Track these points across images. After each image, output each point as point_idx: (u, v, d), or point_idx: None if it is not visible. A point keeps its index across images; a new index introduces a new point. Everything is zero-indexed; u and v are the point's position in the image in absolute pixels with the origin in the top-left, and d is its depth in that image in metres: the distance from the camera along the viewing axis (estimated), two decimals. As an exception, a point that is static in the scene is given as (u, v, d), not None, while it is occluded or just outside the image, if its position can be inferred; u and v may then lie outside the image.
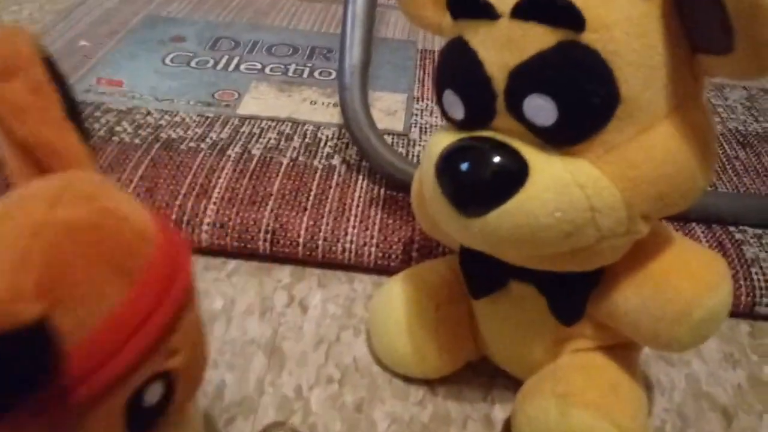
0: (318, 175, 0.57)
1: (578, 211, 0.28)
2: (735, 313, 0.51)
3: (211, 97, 0.68)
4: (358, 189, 0.56)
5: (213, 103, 0.67)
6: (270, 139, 0.62)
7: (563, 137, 0.29)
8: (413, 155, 0.61)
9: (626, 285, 0.34)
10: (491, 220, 0.29)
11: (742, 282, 0.50)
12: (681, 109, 0.29)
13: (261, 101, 0.68)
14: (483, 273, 0.37)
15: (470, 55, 0.30)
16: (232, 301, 0.49)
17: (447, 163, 0.30)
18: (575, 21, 0.27)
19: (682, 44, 0.28)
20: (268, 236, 0.51)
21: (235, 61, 0.75)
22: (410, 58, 0.79)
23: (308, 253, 0.51)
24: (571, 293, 0.35)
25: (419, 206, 0.42)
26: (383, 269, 0.51)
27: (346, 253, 0.51)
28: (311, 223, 0.52)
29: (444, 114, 0.33)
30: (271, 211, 0.53)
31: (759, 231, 0.55)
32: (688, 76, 0.29)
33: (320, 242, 0.51)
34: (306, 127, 0.64)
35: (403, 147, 0.63)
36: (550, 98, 0.27)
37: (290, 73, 0.74)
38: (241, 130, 0.63)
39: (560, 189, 0.28)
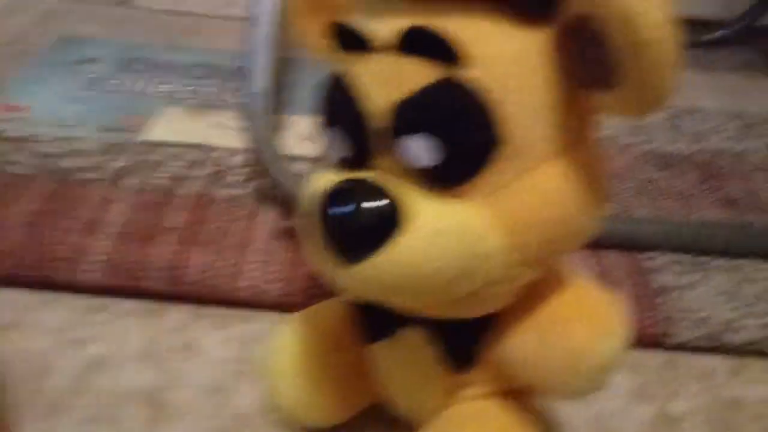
0: (223, 205, 0.55)
1: (462, 257, 0.27)
2: (646, 344, 0.50)
3: (117, 122, 0.65)
4: (264, 222, 0.54)
5: (119, 128, 0.64)
6: (175, 167, 0.59)
7: (445, 179, 0.27)
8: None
9: (520, 330, 0.33)
10: (368, 268, 0.28)
11: (652, 312, 0.49)
12: (569, 147, 0.28)
13: (171, 126, 0.65)
14: (374, 317, 0.36)
15: (353, 90, 0.28)
16: (118, 346, 0.46)
17: (325, 205, 0.29)
18: (454, 56, 0.26)
19: (570, 80, 0.27)
20: (163, 274, 0.49)
21: (149, 83, 0.73)
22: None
23: (206, 291, 0.49)
24: (463, 338, 0.34)
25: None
26: (287, 306, 0.49)
27: (246, 291, 0.49)
28: (210, 259, 0.49)
29: (326, 151, 0.31)
30: (168, 247, 0.50)
31: (672, 257, 0.55)
32: (577, 113, 0.28)
33: (219, 280, 0.49)
34: (216, 153, 0.62)
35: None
36: (429, 138, 0.26)
37: (204, 96, 0.71)
38: (146, 157, 0.60)
39: (440, 235, 0.27)
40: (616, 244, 0.55)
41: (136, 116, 0.66)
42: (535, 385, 0.34)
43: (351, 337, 0.39)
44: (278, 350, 0.40)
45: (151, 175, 0.58)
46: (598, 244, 0.54)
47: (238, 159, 0.61)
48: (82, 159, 0.59)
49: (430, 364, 0.35)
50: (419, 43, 0.26)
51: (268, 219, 0.54)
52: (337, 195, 0.28)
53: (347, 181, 0.29)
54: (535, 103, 0.27)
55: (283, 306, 0.49)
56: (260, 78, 0.51)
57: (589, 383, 0.32)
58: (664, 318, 0.49)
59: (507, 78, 0.26)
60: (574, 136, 0.28)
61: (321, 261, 0.30)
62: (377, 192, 0.28)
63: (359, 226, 0.27)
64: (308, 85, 0.74)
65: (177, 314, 0.49)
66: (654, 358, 0.49)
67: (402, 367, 0.37)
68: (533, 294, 0.32)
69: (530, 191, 0.27)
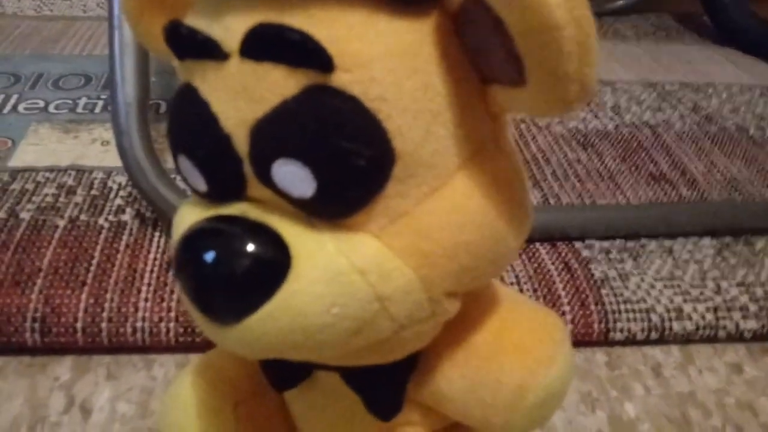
0: (103, 237, 0.48)
1: (362, 303, 0.22)
2: (589, 342, 0.46)
3: (-23, 148, 0.57)
4: (152, 250, 0.47)
5: (-21, 156, 0.56)
6: (46, 195, 0.51)
7: (329, 211, 0.22)
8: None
9: (449, 366, 0.28)
10: (250, 326, 0.22)
11: (593, 307, 0.46)
12: (478, 156, 0.23)
13: (40, 148, 0.57)
14: (282, 363, 0.30)
15: (201, 108, 0.22)
16: (-7, 414, 0.39)
17: (187, 253, 0.22)
18: (318, 58, 0.20)
19: (471, 77, 0.22)
20: (37, 325, 0.41)
21: (13, 100, 0.64)
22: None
23: (90, 339, 0.42)
24: (385, 384, 0.29)
25: None
26: (187, 346, 0.43)
27: (139, 334, 0.42)
28: (92, 301, 0.42)
29: (186, 184, 0.25)
30: (40, 292, 0.43)
31: (606, 244, 0.51)
32: (484, 115, 0.23)
33: (104, 324, 0.42)
34: (93, 175, 0.54)
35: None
36: (300, 163, 0.20)
37: (79, 109, 0.63)
38: (11, 187, 0.52)
39: (334, 279, 0.21)
40: (546, 236, 0.50)
41: (0, 140, 0.58)
42: (472, 424, 0.29)
43: (259, 386, 0.34)
44: (175, 410, 0.34)
45: (17, 208, 0.50)
46: (528, 238, 0.50)
47: (119, 180, 0.54)
48: (-66, 195, 0.51)
49: (356, 406, 0.30)
50: (272, 46, 0.20)
51: (156, 248, 0.47)
52: (206, 237, 0.22)
53: (210, 220, 0.23)
54: (431, 109, 0.21)
55: (182, 347, 0.43)
56: (129, 87, 0.44)
57: (533, 419, 0.28)
58: (608, 312, 0.45)
59: (392, 81, 0.21)
60: (485, 141, 0.23)
61: (192, 316, 0.24)
62: (257, 231, 0.22)
63: (238, 278, 0.21)
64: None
65: (59, 369, 0.42)
66: (599, 356, 0.46)
67: (326, 412, 0.32)
68: (462, 321, 0.28)
69: (438, 215, 0.22)
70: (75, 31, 0.80)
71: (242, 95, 0.21)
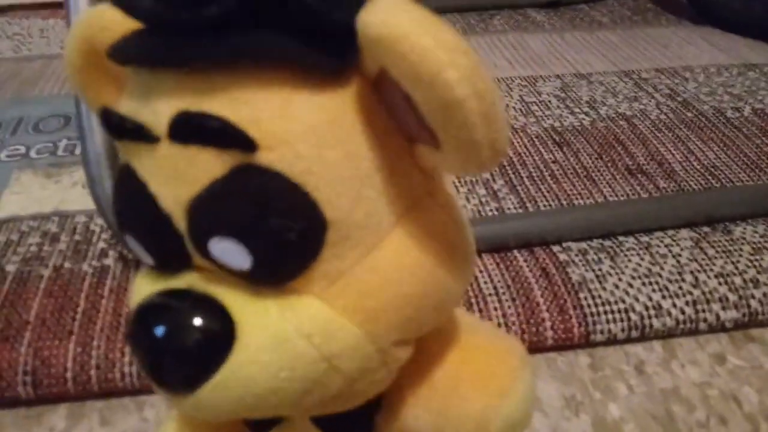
0: (87, 283, 0.48)
1: (309, 365, 0.23)
2: (570, 346, 0.46)
3: (-39, 201, 0.58)
4: (136, 291, 0.48)
5: (-37, 209, 0.57)
6: (31, 245, 0.52)
7: (267, 280, 0.23)
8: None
9: (413, 402, 0.29)
10: (203, 396, 0.23)
11: (572, 312, 0.46)
12: (413, 212, 0.24)
13: (23, 196, 0.58)
14: None
15: (140, 188, 0.23)
16: (-7, 470, 0.40)
17: (139, 328, 0.23)
18: (240, 141, 0.21)
19: (396, 137, 0.23)
20: (28, 378, 0.42)
21: (-5, 148, 0.65)
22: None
23: (81, 387, 0.43)
24: (352, 426, 0.29)
25: None
26: (176, 385, 0.44)
27: (127, 378, 0.43)
28: (79, 350, 0.43)
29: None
30: (29, 345, 0.44)
31: (584, 245, 0.52)
32: (415, 171, 0.24)
33: (93, 372, 0.43)
34: (76, 219, 0.55)
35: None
36: (234, 240, 0.21)
37: (60, 152, 0.64)
38: (-4, 240, 0.53)
39: (280, 345, 0.22)
40: (523, 243, 0.51)
41: (-18, 190, 0.59)
42: None
43: (240, 428, 0.35)
44: None
45: (2, 260, 0.51)
46: (504, 246, 0.51)
47: (101, 222, 0.55)
48: None
49: None
50: (197, 131, 0.21)
51: (140, 290, 0.48)
52: (155, 312, 0.23)
53: (159, 295, 0.23)
54: (359, 175, 0.22)
55: (171, 387, 0.44)
56: (98, 137, 0.45)
57: None
58: (588, 314, 0.46)
59: (316, 154, 0.21)
60: (419, 196, 0.24)
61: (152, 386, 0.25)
62: (196, 305, 0.23)
63: (181, 351, 0.22)
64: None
65: (55, 418, 0.43)
66: (582, 359, 0.46)
67: None
68: (419, 360, 0.28)
69: (376, 273, 0.23)
70: (53, 71, 0.80)
71: (174, 177, 0.22)
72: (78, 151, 0.64)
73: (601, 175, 0.60)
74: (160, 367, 0.23)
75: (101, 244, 0.52)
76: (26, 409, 0.44)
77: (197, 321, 0.22)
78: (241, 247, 0.21)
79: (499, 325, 0.46)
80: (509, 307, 0.46)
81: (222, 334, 0.22)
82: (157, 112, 0.22)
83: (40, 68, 0.81)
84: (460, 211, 0.25)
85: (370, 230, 0.22)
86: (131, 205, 0.24)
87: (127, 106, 0.23)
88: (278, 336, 0.22)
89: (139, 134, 0.22)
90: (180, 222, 0.22)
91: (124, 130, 0.23)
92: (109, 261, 0.50)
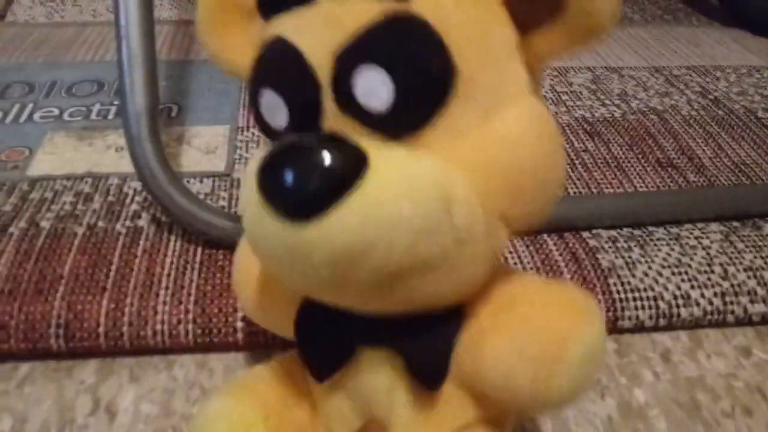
0: (121, 242, 0.49)
1: (429, 202, 0.24)
2: (599, 331, 0.47)
3: (-5, 159, 0.58)
4: (169, 254, 0.48)
5: (-2, 166, 0.57)
6: (65, 204, 0.53)
7: (403, 122, 0.25)
8: (237, 198, 0.54)
9: (491, 331, 0.29)
10: (330, 224, 0.24)
11: (601, 296, 0.46)
12: (523, 96, 0.26)
13: (56, 156, 0.58)
14: (325, 344, 0.31)
15: (287, 47, 0.26)
16: (22, 418, 0.41)
17: (276, 163, 0.25)
18: None
19: (512, 29, 0.26)
20: (61, 331, 0.43)
21: (28, 109, 0.65)
22: (233, 80, 0.71)
23: (112, 343, 0.43)
24: (431, 346, 0.30)
25: (245, 285, 0.35)
26: (206, 347, 0.44)
27: (159, 337, 0.43)
28: (112, 306, 0.44)
29: (263, 126, 0.28)
30: (63, 299, 0.44)
31: (613, 233, 0.52)
32: (524, 65, 0.27)
33: (125, 328, 0.43)
34: (109, 181, 0.56)
35: (225, 190, 0.55)
36: (382, 70, 0.24)
37: (93, 116, 0.65)
38: (30, 197, 0.53)
39: (406, 179, 0.24)
40: (553, 227, 0.51)
41: (16, 150, 0.59)
42: (516, 393, 0.29)
43: (289, 399, 0.35)
44: (208, 422, 0.34)
45: (37, 217, 0.51)
46: (534, 230, 0.51)
47: (134, 185, 0.55)
48: (-43, 207, 0.52)
49: (398, 390, 0.31)
50: None
51: (173, 251, 0.48)
52: (289, 152, 0.25)
53: (293, 135, 0.26)
54: (487, 45, 0.25)
55: (200, 348, 0.44)
56: (139, 97, 0.45)
57: (577, 379, 0.28)
58: (616, 300, 0.46)
59: (457, 14, 0.25)
60: (527, 86, 0.27)
61: (269, 249, 0.26)
62: (330, 138, 0.25)
63: (320, 177, 0.24)
64: (211, 90, 0.69)
65: (84, 372, 0.44)
66: (608, 344, 0.46)
67: (358, 405, 0.32)
68: (499, 290, 0.30)
69: (494, 136, 0.26)
70: (86, 38, 0.81)
71: (328, 26, 0.25)
72: (111, 116, 0.65)
73: (632, 166, 0.60)
74: (292, 198, 0.24)
75: (134, 206, 0.53)
76: (56, 362, 0.44)
77: (333, 150, 0.24)
78: (385, 78, 0.24)
79: (527, 305, 0.46)
80: (538, 289, 0.46)
81: (356, 162, 0.24)
82: None
83: (72, 35, 0.82)
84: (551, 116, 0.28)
85: (491, 96, 0.25)
86: (275, 63, 0.27)
87: None
88: (405, 171, 0.24)
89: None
90: (324, 71, 0.25)
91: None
92: (142, 222, 0.51)
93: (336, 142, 0.25)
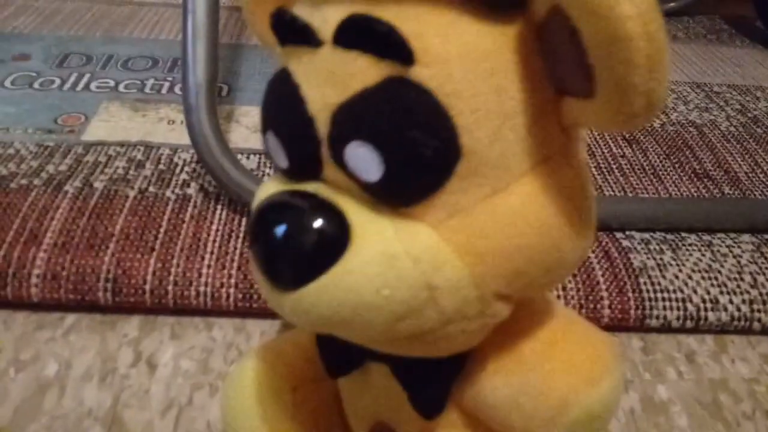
0: (170, 208, 0.51)
1: (411, 289, 0.23)
2: (625, 328, 0.48)
3: (53, 122, 0.61)
4: (215, 221, 0.50)
5: (55, 129, 0.60)
6: (118, 168, 0.55)
7: (393, 196, 0.23)
8: (281, 176, 0.56)
9: (495, 372, 0.29)
10: (306, 295, 0.23)
11: (630, 294, 0.47)
12: (544, 166, 0.23)
13: (111, 124, 0.61)
14: (337, 350, 0.31)
15: (292, 90, 0.24)
16: (67, 364, 0.43)
17: (260, 221, 0.25)
18: (401, 51, 0.21)
19: (545, 87, 0.23)
20: (109, 285, 0.45)
21: (85, 79, 0.68)
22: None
23: (157, 300, 0.45)
24: (431, 381, 0.29)
25: None
26: (245, 312, 0.46)
27: (201, 298, 0.45)
28: (159, 265, 0.46)
29: (271, 160, 0.27)
30: (113, 255, 0.46)
31: (646, 236, 0.53)
32: (555, 127, 0.24)
33: (170, 287, 0.45)
34: (161, 151, 0.58)
35: (270, 167, 0.57)
36: (372, 147, 0.22)
37: (147, 89, 0.67)
38: (85, 159, 0.56)
39: (388, 262, 0.23)
40: (588, 225, 0.52)
41: (73, 115, 0.62)
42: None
43: (318, 371, 0.34)
44: (237, 390, 0.35)
45: (91, 178, 0.53)
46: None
47: (184, 156, 0.57)
48: (16, 164, 0.54)
49: (399, 404, 0.31)
50: (361, 36, 0.22)
51: (219, 219, 0.50)
52: (279, 209, 0.24)
53: (285, 193, 0.25)
54: (503, 112, 0.22)
55: (240, 312, 0.46)
56: (200, 69, 0.47)
57: None
58: (645, 299, 0.47)
59: (468, 80, 0.22)
60: (554, 151, 0.24)
61: (259, 284, 0.26)
62: (324, 208, 0.24)
63: (301, 248, 0.23)
64: (261, 73, 0.71)
65: (128, 326, 0.46)
66: (634, 342, 0.47)
67: (373, 403, 0.33)
68: (512, 329, 0.28)
69: (497, 216, 0.23)
70: (142, 16, 0.84)
71: (329, 81, 0.23)
72: (164, 91, 0.67)
73: (668, 174, 0.61)
74: (273, 261, 0.24)
75: (183, 176, 0.55)
76: (102, 315, 0.46)
77: (316, 221, 0.23)
78: (376, 154, 0.22)
79: (558, 297, 0.47)
80: (569, 282, 0.48)
81: (337, 237, 0.23)
82: (327, 16, 0.23)
83: (129, 13, 0.84)
84: (589, 179, 0.25)
85: (500, 172, 0.23)
86: (280, 105, 0.25)
87: (300, 11, 0.24)
88: (388, 252, 0.23)
89: (305, 36, 0.23)
90: (323, 126, 0.23)
91: (292, 31, 0.24)
92: (191, 191, 0.53)
93: (324, 212, 0.23)
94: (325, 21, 0.23)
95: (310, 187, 0.25)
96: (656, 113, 0.20)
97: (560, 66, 0.22)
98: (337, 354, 0.31)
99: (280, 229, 0.23)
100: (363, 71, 0.22)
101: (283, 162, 0.25)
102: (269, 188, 0.26)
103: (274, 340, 0.38)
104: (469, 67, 0.22)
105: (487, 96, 0.22)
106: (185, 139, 0.58)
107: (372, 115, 0.22)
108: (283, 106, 0.25)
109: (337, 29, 0.22)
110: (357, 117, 0.22)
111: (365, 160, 0.22)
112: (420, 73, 0.21)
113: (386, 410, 0.33)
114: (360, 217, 0.23)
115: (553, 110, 0.23)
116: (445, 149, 0.22)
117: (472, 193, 0.23)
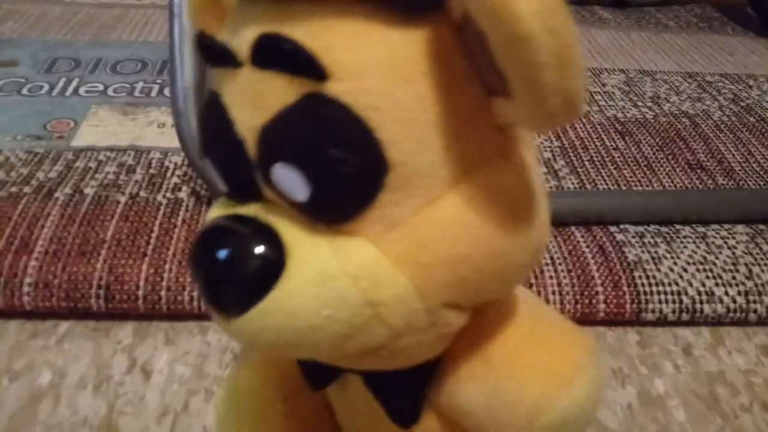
0: (161, 212, 0.51)
1: (352, 307, 0.22)
2: (621, 322, 0.48)
3: (42, 128, 0.60)
4: (207, 225, 0.50)
5: (44, 136, 0.59)
6: (108, 173, 0.55)
7: (324, 215, 0.23)
8: (273, 177, 0.56)
9: (467, 379, 0.28)
10: (249, 320, 0.23)
11: (626, 288, 0.47)
12: (481, 169, 0.23)
13: (100, 129, 0.60)
14: (314, 363, 0.30)
15: (221, 113, 0.23)
16: (61, 373, 0.42)
17: (201, 247, 0.24)
18: (311, 67, 0.21)
19: (473, 89, 0.22)
20: (102, 292, 0.45)
21: (74, 83, 0.68)
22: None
23: (150, 306, 0.45)
24: (403, 390, 0.29)
25: None
26: (239, 315, 0.46)
27: (195, 302, 0.45)
28: (152, 271, 0.45)
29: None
30: (104, 261, 0.46)
31: (641, 229, 0.52)
32: (490, 127, 0.23)
33: (163, 293, 0.45)
34: (151, 155, 0.57)
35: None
36: (295, 167, 0.21)
37: (136, 93, 0.67)
38: (75, 165, 0.55)
39: (325, 282, 0.22)
40: (581, 220, 0.52)
41: (62, 121, 0.61)
42: None
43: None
44: (229, 401, 0.35)
45: (81, 184, 0.53)
46: (563, 222, 0.52)
47: (175, 159, 0.57)
48: (5, 172, 0.54)
49: (379, 411, 0.30)
50: (273, 56, 0.21)
51: (212, 222, 0.50)
52: (218, 234, 0.24)
53: (223, 218, 0.24)
54: (427, 120, 0.21)
55: (235, 316, 0.46)
56: (187, 72, 0.47)
57: None
58: (641, 293, 0.47)
59: (385, 91, 0.21)
60: (490, 154, 0.23)
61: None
62: (255, 231, 0.23)
63: (235, 273, 0.23)
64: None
65: (122, 333, 0.45)
66: (631, 336, 0.47)
67: (358, 411, 0.32)
68: (477, 335, 0.28)
69: (433, 226, 0.22)
70: (130, 19, 0.83)
71: (251, 102, 0.22)
72: (153, 94, 0.67)
73: (661, 166, 0.61)
74: (213, 287, 0.23)
75: (175, 179, 0.54)
76: (95, 322, 0.46)
77: (253, 246, 0.22)
78: (301, 176, 0.21)
79: (553, 293, 0.47)
80: (564, 278, 0.47)
81: (274, 261, 0.22)
82: (244, 37, 0.22)
83: (118, 15, 0.84)
84: (535, 178, 0.24)
85: (433, 181, 0.22)
86: (212, 130, 0.24)
87: (224, 34, 0.23)
88: (324, 272, 0.22)
89: (227, 58, 0.22)
90: (251, 148, 0.22)
91: (214, 54, 0.23)
92: (182, 195, 0.53)
93: (257, 236, 0.23)
94: (242, 40, 0.22)
95: (250, 209, 0.24)
96: (578, 111, 0.19)
97: (481, 67, 0.21)
98: (315, 366, 0.30)
99: (220, 255, 0.23)
100: (281, 90, 0.21)
101: (223, 186, 0.25)
102: (213, 212, 0.25)
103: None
104: (385, 78, 0.21)
105: (407, 105, 0.21)
106: (176, 143, 0.57)
107: (292, 135, 0.21)
108: (215, 130, 0.24)
109: (251, 50, 0.22)
110: (278, 138, 0.22)
111: (291, 181, 0.21)
112: (334, 88, 0.21)
113: (367, 421, 0.32)
114: (295, 238, 0.23)
115: (485, 111, 0.22)
116: (369, 164, 0.21)
117: (406, 205, 0.22)
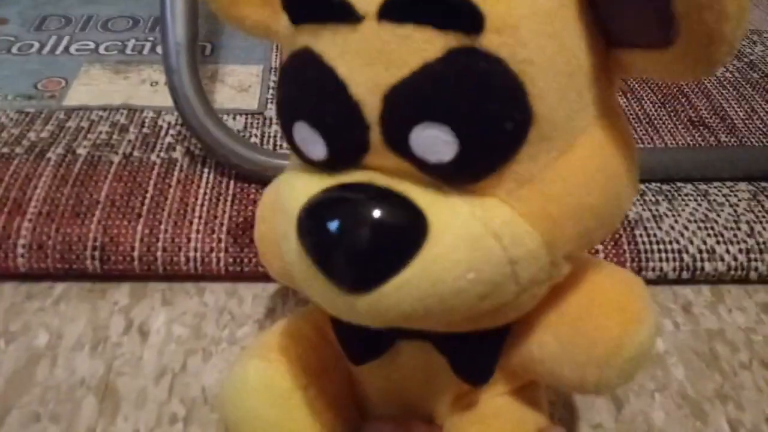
0: (155, 172, 0.50)
1: (496, 267, 0.22)
2: (622, 281, 0.47)
3: (33, 88, 0.59)
4: (203, 185, 0.49)
5: (35, 95, 0.58)
6: (100, 133, 0.54)
7: (465, 174, 0.22)
8: (269, 136, 0.55)
9: (541, 329, 0.28)
10: (385, 294, 0.22)
11: (626, 246, 0.47)
12: (601, 119, 0.23)
13: (92, 87, 0.59)
14: (363, 337, 0.29)
15: (326, 73, 0.22)
16: (58, 334, 0.42)
17: (313, 224, 0.22)
18: (470, 19, 0.20)
19: (598, 42, 0.22)
20: (97, 253, 0.44)
21: (65, 42, 0.66)
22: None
23: (146, 267, 0.44)
24: (478, 351, 0.29)
25: (265, 251, 0.34)
26: (236, 276, 0.45)
27: (191, 263, 0.44)
28: (147, 231, 0.45)
29: (296, 152, 0.24)
30: (99, 222, 0.45)
31: (642, 186, 0.52)
32: (605, 81, 0.23)
33: (159, 254, 0.44)
34: (144, 114, 0.56)
35: (257, 127, 0.56)
36: (445, 127, 0.20)
37: (128, 51, 0.65)
38: (67, 125, 0.54)
39: (472, 244, 0.21)
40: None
41: (53, 80, 0.60)
42: (564, 385, 0.30)
43: (326, 361, 0.33)
44: (247, 392, 0.32)
45: (74, 144, 0.52)
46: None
47: (168, 119, 0.56)
48: (-4, 132, 0.53)
49: (438, 374, 0.30)
50: (417, 7, 0.20)
51: (207, 182, 0.49)
52: (333, 206, 0.22)
53: (343, 187, 0.22)
54: (568, 72, 0.21)
55: (231, 276, 0.45)
56: (179, 28, 0.46)
57: (626, 376, 0.28)
58: (641, 251, 0.46)
59: (537, 44, 0.20)
60: (607, 104, 0.23)
61: (314, 291, 0.24)
62: (387, 198, 0.22)
63: (370, 246, 0.21)
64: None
65: (118, 294, 0.45)
66: (630, 294, 0.47)
67: (402, 383, 0.32)
68: (552, 289, 0.28)
69: (565, 179, 0.22)
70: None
71: (378, 60, 0.21)
72: (146, 51, 0.65)
73: (663, 123, 0.60)
74: (343, 266, 0.22)
75: (168, 139, 0.53)
76: (91, 283, 0.45)
77: (387, 214, 0.21)
78: (451, 135, 0.20)
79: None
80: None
81: (412, 228, 0.21)
82: None
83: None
84: (629, 127, 0.25)
85: (565, 132, 0.22)
86: (312, 91, 0.23)
87: None
88: (471, 235, 0.21)
89: (339, 13, 0.21)
90: (373, 110, 0.21)
91: (318, 8, 0.22)
92: (176, 154, 0.52)
93: (390, 202, 0.21)
94: None
95: (361, 176, 0.23)
96: (731, 59, 0.20)
97: (621, 19, 0.21)
98: (364, 341, 0.30)
99: (348, 231, 0.21)
100: (421, 45, 0.20)
101: (321, 153, 0.23)
102: (304, 184, 0.24)
103: (270, 334, 0.34)
104: (538, 30, 0.20)
105: (553, 58, 0.21)
106: (169, 101, 0.56)
107: (440, 92, 0.20)
108: (317, 92, 0.22)
109: (384, 2, 0.20)
110: (421, 97, 0.20)
111: (435, 142, 0.21)
112: (490, 41, 0.20)
113: (416, 387, 0.32)
114: (429, 202, 0.22)
115: (604, 64, 0.22)
116: (521, 119, 0.21)
117: (540, 160, 0.22)
